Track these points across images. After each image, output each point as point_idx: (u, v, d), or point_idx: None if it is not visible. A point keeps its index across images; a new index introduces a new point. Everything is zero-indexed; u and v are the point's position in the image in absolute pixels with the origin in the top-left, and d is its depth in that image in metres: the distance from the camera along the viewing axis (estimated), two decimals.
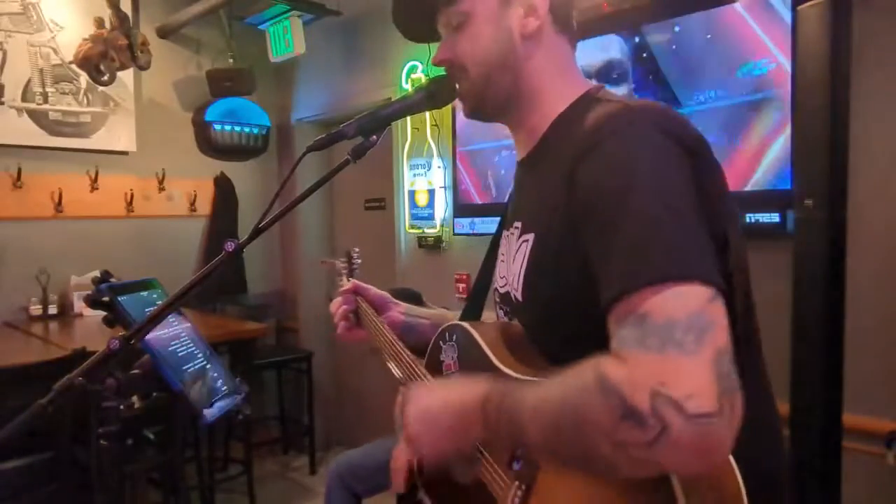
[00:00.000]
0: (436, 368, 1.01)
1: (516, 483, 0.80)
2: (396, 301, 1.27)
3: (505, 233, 0.99)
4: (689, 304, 0.61)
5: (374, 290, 1.26)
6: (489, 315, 1.11)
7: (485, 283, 1.09)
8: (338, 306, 1.26)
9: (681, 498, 0.61)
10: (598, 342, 0.72)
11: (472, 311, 1.09)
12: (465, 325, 0.95)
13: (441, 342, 1.00)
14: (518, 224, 0.91)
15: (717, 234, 0.71)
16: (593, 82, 0.93)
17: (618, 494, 0.68)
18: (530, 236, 0.85)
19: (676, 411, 0.57)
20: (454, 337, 0.97)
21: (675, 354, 0.59)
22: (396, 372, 1.11)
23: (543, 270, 0.83)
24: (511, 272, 0.90)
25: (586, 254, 0.73)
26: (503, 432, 0.72)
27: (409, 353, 1.09)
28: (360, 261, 1.42)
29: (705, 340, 0.59)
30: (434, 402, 0.80)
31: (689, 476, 0.62)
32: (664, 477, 0.62)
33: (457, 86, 0.93)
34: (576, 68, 0.93)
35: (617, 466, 0.62)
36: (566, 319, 0.81)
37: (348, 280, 1.37)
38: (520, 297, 0.87)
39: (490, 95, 0.91)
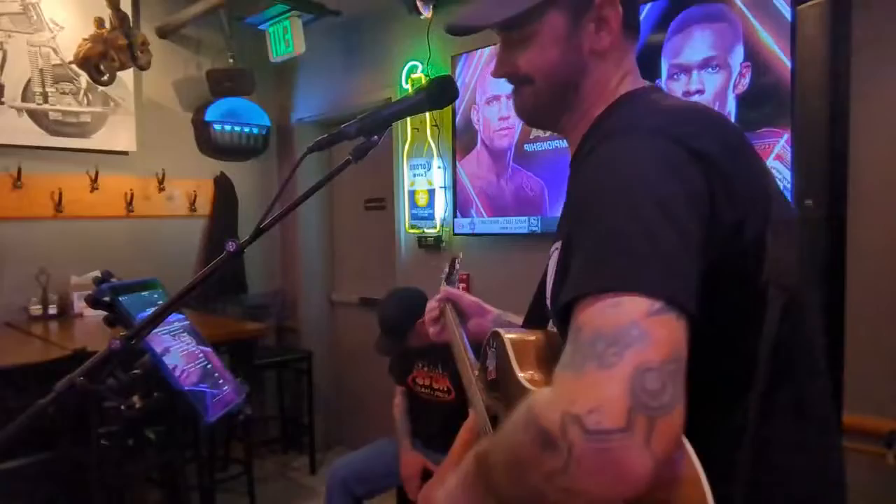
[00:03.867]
0: (484, 374, 1.01)
1: None
2: (489, 308, 1.29)
3: None
4: (621, 316, 0.57)
5: (468, 297, 1.29)
6: None
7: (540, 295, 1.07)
8: (430, 310, 1.32)
9: None
10: None
11: (531, 322, 1.06)
12: (501, 332, 0.93)
13: (488, 348, 0.99)
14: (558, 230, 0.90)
15: (739, 245, 0.69)
16: (644, 81, 0.88)
17: None
18: (559, 244, 0.84)
19: (578, 428, 0.53)
20: (494, 345, 0.96)
21: (592, 369, 0.56)
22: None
23: (562, 279, 0.80)
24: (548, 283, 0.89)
25: None
26: (492, 495, 0.71)
27: (473, 359, 1.14)
28: (458, 267, 1.50)
29: (627, 354, 0.55)
30: (441, 496, 0.79)
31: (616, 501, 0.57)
32: None
33: (520, 95, 0.90)
34: (634, 69, 0.88)
35: (557, 501, 0.58)
36: None
37: (445, 284, 1.44)
38: (549, 307, 0.86)
39: (555, 109, 0.89)
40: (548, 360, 0.86)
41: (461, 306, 1.28)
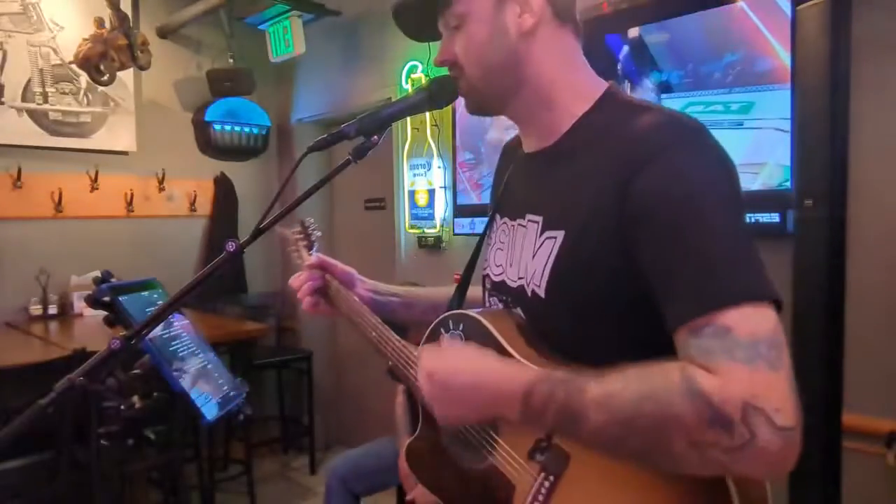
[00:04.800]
0: None
1: (542, 474, 0.81)
2: (363, 277, 1.24)
3: (509, 222, 0.98)
4: (767, 323, 0.66)
5: (340, 265, 1.23)
6: (473, 293, 1.10)
7: (473, 268, 1.09)
8: (301, 281, 1.22)
9: (735, 497, 0.67)
10: (621, 343, 0.75)
11: (460, 295, 1.09)
12: (476, 314, 0.94)
13: (442, 329, 0.98)
14: (536, 218, 0.90)
15: None
16: (603, 79, 0.91)
17: (665, 492, 0.71)
18: (558, 234, 0.84)
19: (766, 423, 0.62)
20: (461, 326, 0.95)
21: (763, 369, 0.64)
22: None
23: (576, 270, 0.82)
24: (528, 267, 0.89)
25: (636, 260, 0.75)
26: (549, 419, 0.73)
27: (395, 336, 1.08)
28: (318, 233, 1.36)
29: (783, 358, 0.65)
30: (463, 375, 0.80)
31: (745, 479, 0.68)
32: (719, 479, 0.67)
33: (459, 84, 0.92)
34: (584, 61, 0.91)
35: (685, 464, 0.66)
36: (593, 320, 0.82)
37: (308, 253, 1.32)
38: (542, 294, 0.86)
39: (491, 94, 0.91)
40: (529, 340, 0.88)
41: (336, 275, 1.21)
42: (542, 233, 0.87)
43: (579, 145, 0.87)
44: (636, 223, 0.75)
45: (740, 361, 0.64)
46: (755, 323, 0.66)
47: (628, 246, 0.76)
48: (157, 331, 0.98)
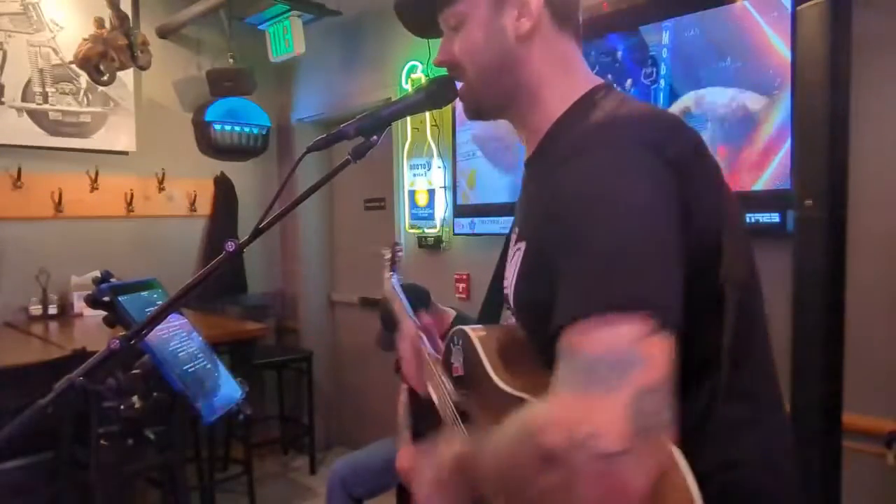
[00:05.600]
0: (448, 372, 1.03)
1: None
2: (445, 310, 1.29)
3: (513, 237, 0.99)
4: (621, 339, 0.58)
5: (426, 319, 1.23)
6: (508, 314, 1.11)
7: (496, 283, 1.09)
8: (405, 345, 1.21)
9: None
10: None
11: (489, 312, 1.09)
12: (467, 330, 0.95)
13: (451, 345, 1.00)
14: (517, 229, 0.91)
15: (703, 248, 0.70)
16: (599, 79, 0.89)
17: None
18: (522, 244, 0.85)
19: (582, 451, 0.54)
20: (459, 342, 0.97)
21: (594, 393, 0.57)
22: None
23: (529, 279, 0.82)
24: (508, 277, 0.90)
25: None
26: (477, 490, 0.73)
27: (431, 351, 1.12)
28: (402, 253, 1.49)
29: (627, 378, 0.57)
30: (431, 468, 0.81)
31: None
32: None
33: (459, 86, 0.92)
34: (581, 64, 0.90)
35: None
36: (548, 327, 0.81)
37: (389, 273, 1.44)
38: (512, 302, 0.88)
39: (489, 97, 0.91)
40: (516, 356, 0.88)
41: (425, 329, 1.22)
42: (515, 243, 0.89)
43: (545, 151, 0.87)
44: (551, 227, 0.73)
45: (573, 388, 0.59)
46: (605, 341, 0.59)
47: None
48: (157, 331, 0.98)
